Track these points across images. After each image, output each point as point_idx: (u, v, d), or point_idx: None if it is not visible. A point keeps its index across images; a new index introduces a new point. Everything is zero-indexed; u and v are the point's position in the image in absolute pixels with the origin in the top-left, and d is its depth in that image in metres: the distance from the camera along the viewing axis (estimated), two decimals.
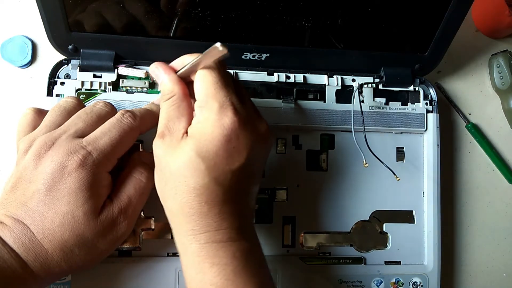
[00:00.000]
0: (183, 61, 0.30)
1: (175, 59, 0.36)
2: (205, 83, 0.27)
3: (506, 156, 0.44)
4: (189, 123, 0.28)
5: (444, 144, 0.41)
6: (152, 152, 0.31)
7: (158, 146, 0.28)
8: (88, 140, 0.28)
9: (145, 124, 0.31)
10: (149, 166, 0.32)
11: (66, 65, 0.36)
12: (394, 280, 0.38)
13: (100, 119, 0.29)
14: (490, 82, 0.45)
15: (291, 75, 0.38)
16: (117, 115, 0.29)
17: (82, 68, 0.35)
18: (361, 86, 0.38)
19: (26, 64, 0.39)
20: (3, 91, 0.38)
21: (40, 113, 0.31)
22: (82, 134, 0.28)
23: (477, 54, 0.45)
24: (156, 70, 0.30)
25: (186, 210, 0.26)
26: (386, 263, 0.38)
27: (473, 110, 0.44)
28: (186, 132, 0.28)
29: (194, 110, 0.28)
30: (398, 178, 0.36)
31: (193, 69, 0.28)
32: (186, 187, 0.26)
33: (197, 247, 0.26)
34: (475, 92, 0.45)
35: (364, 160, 0.36)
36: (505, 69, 0.43)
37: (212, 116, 0.26)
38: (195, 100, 0.28)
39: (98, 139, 0.28)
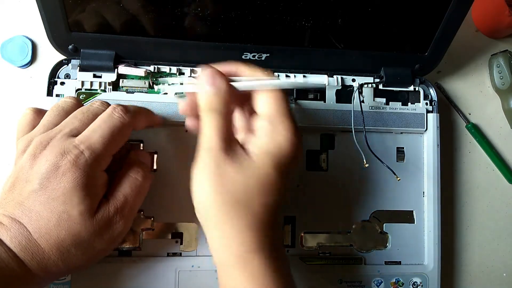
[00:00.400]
0: (239, 71, 0.29)
1: (175, 58, 0.37)
2: (278, 100, 0.27)
3: (506, 156, 0.44)
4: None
5: (444, 144, 0.41)
6: (149, 152, 0.30)
7: (222, 160, 0.26)
8: (81, 139, 0.28)
9: (138, 121, 0.31)
10: (146, 165, 0.31)
11: (66, 65, 0.36)
12: (394, 280, 0.38)
13: (96, 118, 0.29)
14: (490, 82, 0.45)
15: (291, 75, 0.38)
16: (108, 110, 0.29)
17: (82, 68, 0.35)
18: (361, 86, 0.38)
19: (26, 64, 0.39)
20: (3, 91, 0.38)
21: (40, 113, 0.31)
22: (77, 133, 0.28)
23: (477, 54, 0.45)
24: (212, 77, 0.27)
25: (257, 226, 0.26)
26: (386, 263, 0.38)
27: (473, 110, 0.44)
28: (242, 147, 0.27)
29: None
30: (398, 178, 0.36)
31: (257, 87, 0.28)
32: (262, 203, 0.26)
33: (262, 259, 0.26)
34: (475, 92, 0.45)
35: (364, 160, 0.36)
36: (505, 69, 0.43)
37: (289, 135, 0.26)
38: (250, 112, 0.28)
39: (89, 137, 0.28)
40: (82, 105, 0.32)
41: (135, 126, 0.31)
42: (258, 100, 0.28)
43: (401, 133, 0.39)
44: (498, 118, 0.45)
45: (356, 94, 0.38)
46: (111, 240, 0.29)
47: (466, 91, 0.44)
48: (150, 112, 0.32)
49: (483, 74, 0.45)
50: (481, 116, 0.44)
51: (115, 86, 0.36)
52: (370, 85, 0.39)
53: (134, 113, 0.30)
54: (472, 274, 0.42)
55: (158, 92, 0.37)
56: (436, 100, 0.40)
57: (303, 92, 0.39)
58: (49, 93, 0.35)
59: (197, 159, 0.27)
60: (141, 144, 0.36)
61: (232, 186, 0.26)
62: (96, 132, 0.28)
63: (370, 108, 0.39)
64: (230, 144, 0.27)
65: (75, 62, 0.36)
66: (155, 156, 0.36)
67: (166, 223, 0.36)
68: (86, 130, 0.28)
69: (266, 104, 0.27)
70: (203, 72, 0.28)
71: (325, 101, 0.39)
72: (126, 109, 0.30)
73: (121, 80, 0.36)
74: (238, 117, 0.30)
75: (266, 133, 0.27)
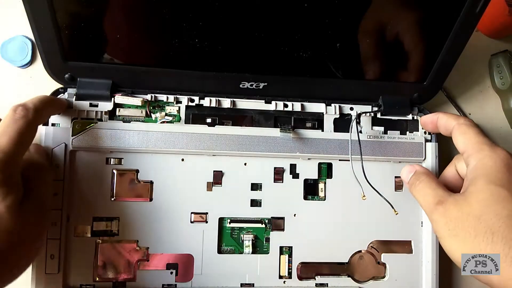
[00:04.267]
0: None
1: (172, 87, 0.37)
2: (470, 135, 0.31)
3: None
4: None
5: (444, 144, 0.40)
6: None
7: (448, 209, 0.29)
8: None
9: (42, 114, 0.31)
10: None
11: (62, 94, 0.36)
12: None
13: None
14: (490, 82, 0.44)
15: (289, 103, 0.38)
16: (9, 113, 0.29)
17: (79, 97, 0.35)
18: (359, 116, 0.38)
19: (26, 64, 0.38)
20: (3, 91, 0.38)
21: None
22: None
23: (477, 54, 0.44)
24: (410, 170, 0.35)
25: None
26: None
27: (473, 110, 0.44)
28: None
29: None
30: (396, 213, 0.36)
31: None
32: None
33: None
34: (475, 92, 0.44)
35: (362, 193, 0.35)
36: (505, 69, 0.42)
37: (487, 153, 0.30)
38: None
39: None
40: None
41: (41, 120, 0.32)
42: (457, 142, 0.32)
43: (400, 162, 0.39)
44: (498, 118, 0.44)
45: (354, 124, 0.37)
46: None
47: (466, 91, 0.44)
48: (52, 99, 0.33)
49: (483, 74, 0.45)
50: (481, 116, 0.44)
51: (112, 115, 0.36)
52: (368, 113, 0.39)
53: (36, 110, 0.30)
54: None
55: (155, 121, 0.36)
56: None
57: (301, 121, 0.38)
58: (45, 122, 0.35)
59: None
60: (137, 174, 0.36)
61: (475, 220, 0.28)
62: (3, 135, 0.28)
63: (368, 137, 0.38)
64: (445, 196, 0.30)
65: (71, 91, 0.35)
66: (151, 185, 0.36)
67: (161, 254, 0.36)
68: None
69: (460, 142, 0.32)
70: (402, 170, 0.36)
71: (322, 130, 0.38)
72: (26, 107, 0.30)
73: (117, 109, 0.36)
74: None
75: (470, 167, 0.30)
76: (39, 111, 0.31)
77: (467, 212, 0.28)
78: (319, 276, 0.37)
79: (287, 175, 0.38)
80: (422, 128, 0.39)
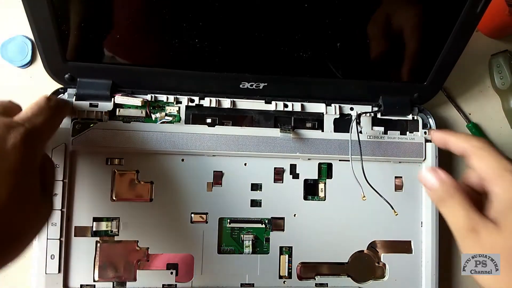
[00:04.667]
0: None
1: (172, 87, 0.37)
2: (489, 160, 0.28)
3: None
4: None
5: None
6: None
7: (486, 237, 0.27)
8: (20, 116, 0.28)
9: (69, 112, 0.35)
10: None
11: (62, 94, 0.36)
12: None
13: None
14: (490, 82, 0.44)
15: (289, 104, 0.38)
16: (44, 99, 0.30)
17: (79, 97, 0.35)
18: (359, 116, 0.38)
19: (26, 64, 0.38)
20: (3, 91, 0.38)
21: None
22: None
23: (477, 54, 0.44)
24: (434, 173, 0.30)
25: None
26: None
27: (473, 110, 0.44)
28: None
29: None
30: (396, 213, 0.36)
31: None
32: None
33: None
34: (475, 92, 0.44)
35: (362, 193, 0.35)
36: (505, 69, 0.43)
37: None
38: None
39: (32, 118, 0.28)
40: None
41: (64, 117, 0.34)
42: (476, 166, 0.29)
43: (400, 162, 0.39)
44: (498, 118, 0.44)
45: (354, 124, 0.37)
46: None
47: (466, 91, 0.44)
48: (71, 103, 0.35)
49: (483, 74, 0.45)
50: (481, 116, 0.44)
51: (112, 115, 0.36)
52: (368, 114, 0.39)
53: (68, 104, 0.34)
54: None
55: (155, 121, 0.36)
56: (435, 129, 0.40)
57: (301, 121, 0.38)
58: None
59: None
60: (137, 174, 0.36)
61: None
62: (38, 116, 0.28)
63: (368, 137, 0.38)
64: (480, 220, 0.27)
65: (71, 91, 0.35)
66: (152, 186, 0.36)
67: (161, 254, 0.36)
68: (24, 112, 0.28)
69: (480, 168, 0.29)
70: (425, 174, 0.30)
71: (322, 130, 0.38)
72: (60, 99, 0.33)
73: (117, 109, 0.36)
74: None
75: (494, 194, 0.28)
76: (68, 108, 0.34)
77: (502, 244, 0.26)
78: (319, 276, 0.37)
79: (287, 175, 0.38)
80: (425, 133, 0.39)
